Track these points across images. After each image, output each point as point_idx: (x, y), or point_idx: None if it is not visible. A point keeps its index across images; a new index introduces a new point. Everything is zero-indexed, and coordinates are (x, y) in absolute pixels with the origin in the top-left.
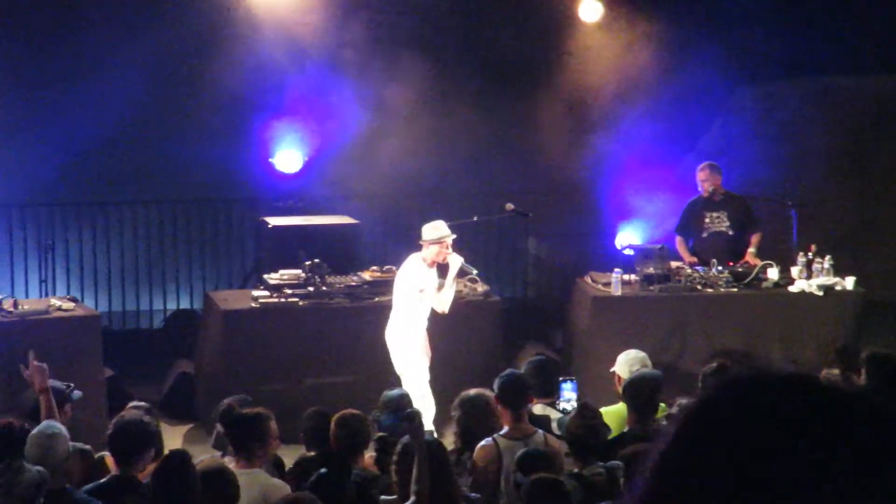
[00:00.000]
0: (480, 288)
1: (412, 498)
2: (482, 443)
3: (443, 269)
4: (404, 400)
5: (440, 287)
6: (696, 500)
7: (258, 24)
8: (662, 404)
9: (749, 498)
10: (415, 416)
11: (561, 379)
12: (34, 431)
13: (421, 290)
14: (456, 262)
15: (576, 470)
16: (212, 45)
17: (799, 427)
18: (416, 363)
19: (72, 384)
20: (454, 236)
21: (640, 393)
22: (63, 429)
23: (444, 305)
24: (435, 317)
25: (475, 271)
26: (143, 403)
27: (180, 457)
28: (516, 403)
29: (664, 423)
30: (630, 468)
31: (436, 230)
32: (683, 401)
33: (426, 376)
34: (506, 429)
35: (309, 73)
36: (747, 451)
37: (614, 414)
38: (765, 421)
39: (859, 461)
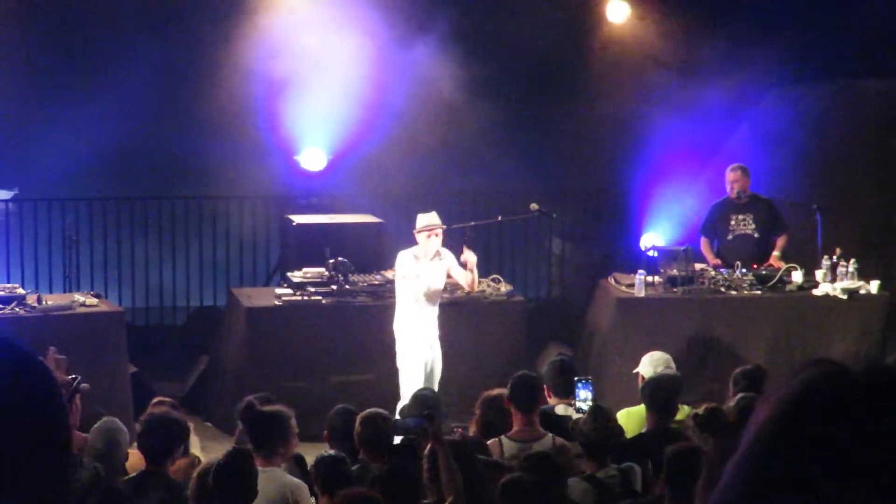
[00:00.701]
0: (504, 288)
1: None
2: (489, 441)
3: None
4: (430, 400)
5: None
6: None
7: (285, 19)
8: (685, 406)
9: (855, 485)
10: (434, 417)
11: (576, 379)
12: (98, 425)
13: (403, 277)
14: (447, 252)
15: (589, 472)
16: (241, 41)
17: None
18: (411, 356)
19: (78, 376)
20: (443, 226)
21: (658, 394)
22: (123, 426)
23: (468, 284)
24: (460, 316)
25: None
26: (167, 399)
27: (243, 455)
28: (527, 405)
29: (689, 423)
30: (668, 466)
31: (424, 219)
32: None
33: (420, 371)
34: (514, 429)
35: (334, 71)
36: (850, 439)
37: (636, 415)
38: (864, 411)
39: None
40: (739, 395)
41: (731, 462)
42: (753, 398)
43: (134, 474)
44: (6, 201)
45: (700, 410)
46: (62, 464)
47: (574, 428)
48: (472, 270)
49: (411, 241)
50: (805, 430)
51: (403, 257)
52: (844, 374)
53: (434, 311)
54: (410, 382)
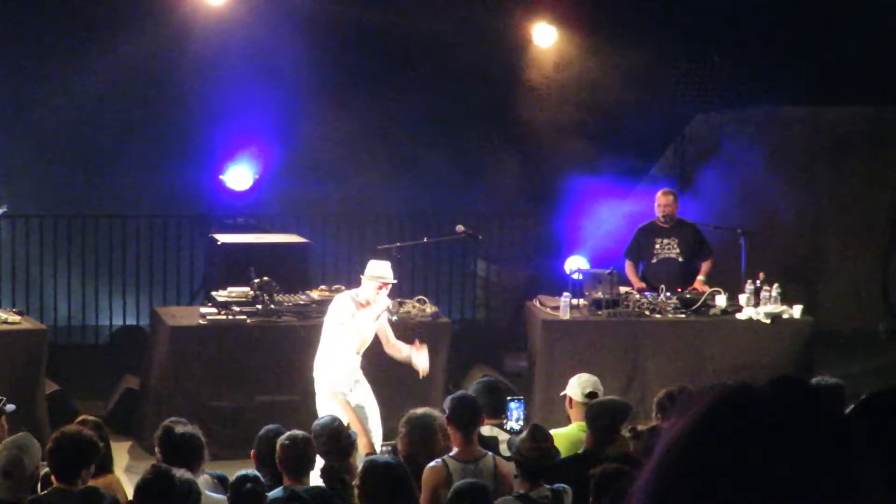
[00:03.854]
0: (429, 309)
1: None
2: (431, 464)
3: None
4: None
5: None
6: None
7: (212, 42)
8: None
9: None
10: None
11: (509, 398)
12: (7, 440)
13: (341, 324)
14: (382, 303)
15: (522, 491)
16: (166, 61)
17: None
18: (332, 405)
19: (3, 398)
20: (394, 281)
21: (602, 416)
22: (36, 443)
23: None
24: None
25: (394, 318)
26: (91, 418)
27: (163, 473)
28: (467, 425)
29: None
30: (599, 488)
31: (377, 268)
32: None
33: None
34: (455, 450)
35: (261, 92)
36: (748, 459)
37: (564, 437)
38: (761, 431)
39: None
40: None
41: (643, 472)
42: None
43: (41, 493)
44: None
45: (641, 428)
46: None
47: (510, 445)
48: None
49: (336, 261)
50: (712, 441)
51: (344, 303)
52: (749, 389)
53: (359, 358)
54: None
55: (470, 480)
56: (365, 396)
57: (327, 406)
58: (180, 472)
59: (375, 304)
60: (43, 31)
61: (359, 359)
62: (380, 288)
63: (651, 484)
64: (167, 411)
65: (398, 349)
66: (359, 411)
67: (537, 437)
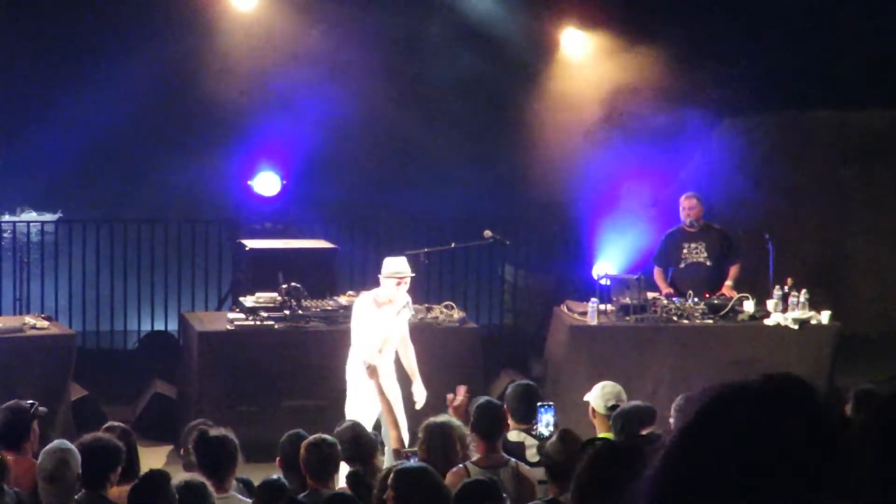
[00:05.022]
0: (457, 314)
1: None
2: (454, 469)
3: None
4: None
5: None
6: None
7: (239, 47)
8: None
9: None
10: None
11: (539, 404)
12: (48, 447)
13: (362, 324)
14: (402, 299)
15: (552, 496)
16: (193, 67)
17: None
18: (364, 405)
19: (35, 402)
20: (412, 274)
21: (628, 423)
22: (75, 448)
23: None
24: (413, 342)
25: (412, 312)
26: (119, 424)
27: (158, 476)
28: (491, 432)
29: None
30: None
31: (394, 264)
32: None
33: (374, 418)
34: (478, 456)
35: (289, 97)
36: (739, 463)
37: None
38: (753, 434)
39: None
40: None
41: (646, 474)
42: None
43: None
44: None
45: (659, 432)
46: None
47: (540, 450)
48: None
49: (364, 267)
50: (709, 434)
51: (364, 304)
52: (740, 389)
53: (391, 357)
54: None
55: (478, 478)
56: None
57: (358, 408)
58: (191, 477)
59: (396, 300)
60: (72, 37)
61: (385, 359)
62: (398, 284)
63: (653, 484)
64: (195, 416)
65: (408, 358)
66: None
67: (567, 441)
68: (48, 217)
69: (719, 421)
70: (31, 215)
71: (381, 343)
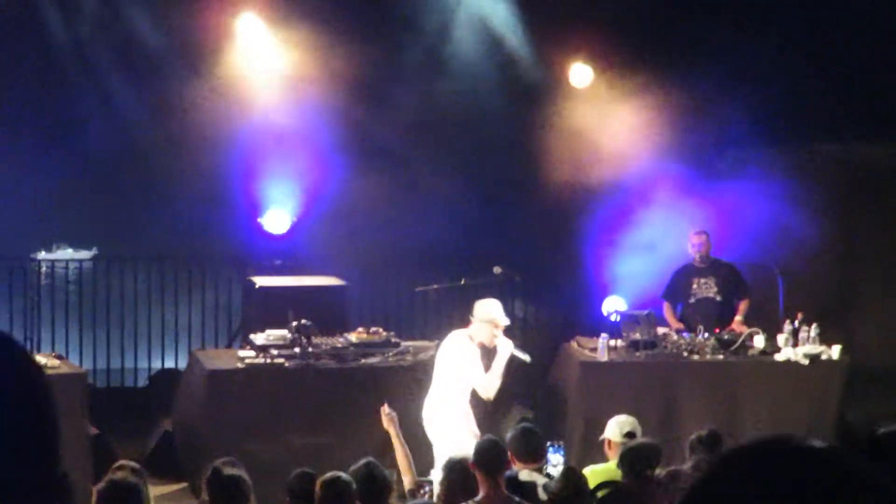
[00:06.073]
0: None
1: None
2: None
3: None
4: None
5: (486, 370)
6: None
7: (249, 83)
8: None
9: None
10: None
11: (549, 444)
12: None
13: (467, 370)
14: (506, 346)
15: None
16: (201, 102)
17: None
18: (456, 445)
19: None
20: (508, 321)
21: (635, 461)
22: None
23: (489, 392)
24: (424, 378)
25: (527, 358)
26: (131, 463)
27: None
28: (492, 469)
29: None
30: None
31: (490, 310)
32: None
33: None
34: (481, 494)
35: (299, 134)
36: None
37: (603, 473)
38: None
39: None
40: (696, 458)
41: None
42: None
43: None
44: None
45: (660, 472)
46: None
47: (545, 487)
48: (501, 370)
49: (374, 304)
50: (719, 492)
51: (468, 347)
52: (752, 448)
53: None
54: None
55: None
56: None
57: (448, 451)
58: None
59: (501, 348)
60: (79, 73)
61: (464, 399)
62: (495, 328)
63: None
64: (204, 454)
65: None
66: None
67: (570, 478)
68: (84, 254)
69: (728, 477)
70: (68, 252)
71: (491, 393)
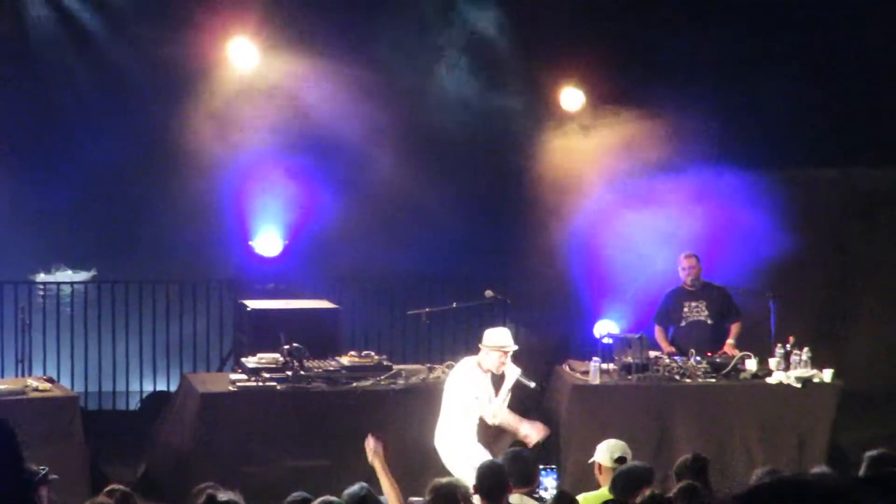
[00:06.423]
0: None
1: None
2: None
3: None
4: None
5: (495, 395)
6: None
7: (239, 105)
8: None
9: None
10: None
11: (541, 468)
12: None
13: (476, 398)
14: (513, 373)
15: None
16: (192, 125)
17: None
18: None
19: (46, 467)
20: (515, 347)
21: (626, 485)
22: None
23: (496, 418)
24: (417, 402)
25: (533, 384)
26: (121, 487)
27: None
28: (494, 494)
29: None
30: None
31: (498, 337)
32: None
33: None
34: None
35: (290, 157)
36: None
37: (595, 500)
38: None
39: None
40: (683, 483)
41: None
42: (695, 486)
43: None
44: None
45: (643, 498)
46: None
47: None
48: (506, 396)
49: (366, 327)
50: None
51: (475, 375)
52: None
53: (475, 423)
54: None
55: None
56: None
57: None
58: None
59: (508, 374)
60: (72, 95)
61: (472, 424)
62: (504, 356)
63: None
64: (196, 477)
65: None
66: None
67: (562, 500)
68: (83, 276)
69: None
70: (67, 273)
71: (497, 420)
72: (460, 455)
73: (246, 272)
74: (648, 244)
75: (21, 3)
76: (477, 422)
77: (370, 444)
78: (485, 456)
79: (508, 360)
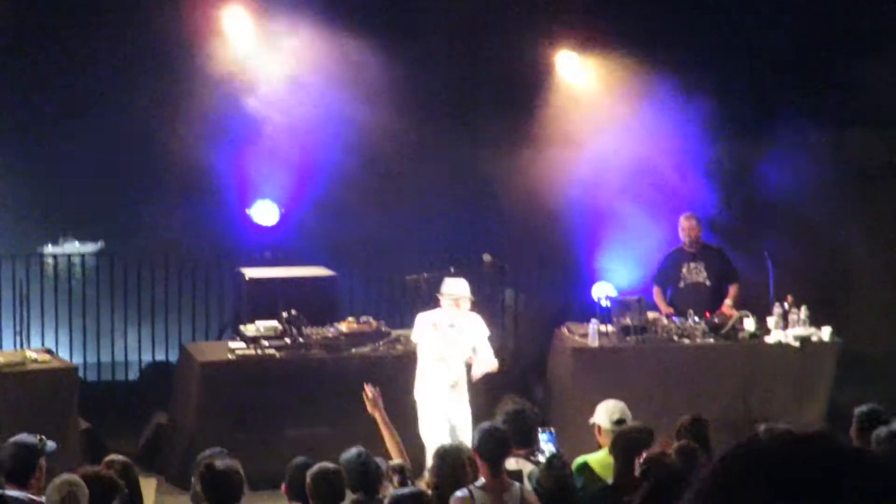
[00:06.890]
0: None
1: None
2: (458, 493)
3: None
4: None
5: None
6: None
7: (235, 74)
8: None
9: None
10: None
11: (539, 430)
12: (57, 480)
13: (418, 340)
14: (481, 333)
15: None
16: (188, 95)
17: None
18: (432, 424)
19: (43, 437)
20: (468, 297)
21: (626, 446)
22: (83, 483)
23: (487, 366)
24: (413, 367)
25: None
26: (120, 458)
27: None
28: (494, 457)
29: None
30: None
31: (450, 286)
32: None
33: (441, 438)
34: (482, 481)
35: (287, 125)
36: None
37: (597, 462)
38: (777, 483)
39: None
40: (681, 442)
41: None
42: (694, 447)
43: None
44: None
45: (642, 459)
46: None
47: (530, 476)
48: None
49: (364, 294)
50: (724, 487)
51: (420, 321)
52: (753, 444)
53: (453, 374)
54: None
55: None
56: (457, 409)
57: (427, 425)
58: None
59: (459, 319)
60: (68, 71)
61: (446, 366)
62: (457, 304)
63: None
64: (198, 446)
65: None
66: (448, 427)
67: (554, 465)
68: (90, 247)
69: (731, 475)
70: (74, 245)
71: (436, 354)
72: (426, 407)
73: (244, 241)
74: (647, 205)
75: None
76: (438, 361)
77: (368, 393)
78: (466, 415)
79: (462, 309)
